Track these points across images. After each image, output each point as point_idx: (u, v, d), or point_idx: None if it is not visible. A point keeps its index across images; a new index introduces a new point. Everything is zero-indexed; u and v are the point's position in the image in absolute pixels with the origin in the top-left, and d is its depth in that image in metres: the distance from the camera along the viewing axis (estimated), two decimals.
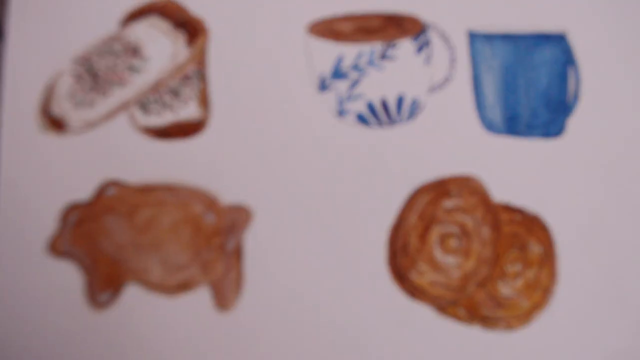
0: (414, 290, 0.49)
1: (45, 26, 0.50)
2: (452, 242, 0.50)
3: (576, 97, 0.53)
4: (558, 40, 0.53)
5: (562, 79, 0.53)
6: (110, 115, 0.48)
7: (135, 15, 0.49)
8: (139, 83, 0.48)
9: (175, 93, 0.48)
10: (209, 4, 0.50)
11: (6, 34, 0.49)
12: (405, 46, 0.50)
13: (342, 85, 0.50)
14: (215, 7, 0.50)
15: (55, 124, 0.48)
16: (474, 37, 0.52)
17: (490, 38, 0.52)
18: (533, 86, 0.52)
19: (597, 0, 0.54)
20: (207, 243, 0.47)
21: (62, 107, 0.47)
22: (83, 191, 0.48)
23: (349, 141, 0.50)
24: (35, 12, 0.50)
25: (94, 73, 0.48)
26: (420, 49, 0.51)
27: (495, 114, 0.52)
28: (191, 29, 0.49)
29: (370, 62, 0.49)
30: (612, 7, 0.54)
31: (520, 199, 0.51)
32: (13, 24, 0.50)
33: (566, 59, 0.53)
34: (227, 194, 0.49)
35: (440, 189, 0.50)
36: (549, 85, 0.52)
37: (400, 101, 0.50)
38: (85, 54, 0.48)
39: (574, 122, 0.53)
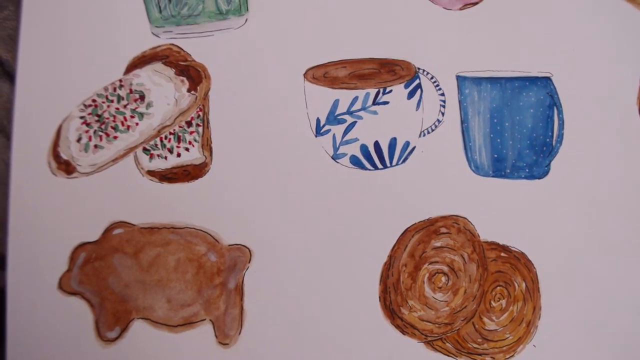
0: (404, 326, 0.54)
1: (54, 71, 0.54)
2: (441, 280, 0.54)
3: (560, 139, 0.57)
4: (543, 84, 0.58)
5: (547, 121, 0.58)
6: (116, 158, 0.52)
7: (140, 61, 0.54)
8: (143, 128, 0.52)
9: (178, 138, 0.53)
10: (211, 51, 0.55)
11: (16, 77, 0.53)
12: (398, 91, 0.55)
13: (337, 130, 0.54)
14: (216, 54, 0.55)
15: (64, 166, 0.52)
16: (462, 81, 0.57)
17: (477, 81, 0.57)
18: (519, 129, 0.57)
19: (581, 44, 0.58)
20: (210, 281, 0.52)
21: (71, 151, 0.52)
22: (91, 231, 0.53)
23: (344, 183, 0.55)
24: (44, 58, 0.54)
25: (101, 118, 0.52)
26: (411, 94, 0.55)
27: (482, 156, 0.57)
28: (194, 75, 0.53)
29: (364, 107, 0.54)
30: (596, 51, 0.58)
31: (506, 237, 0.56)
32: (22, 68, 0.54)
33: (551, 102, 0.57)
34: (229, 235, 0.53)
35: (430, 228, 0.55)
36: (534, 127, 0.57)
37: (392, 145, 0.55)
38: (92, 99, 0.53)
39: (558, 164, 0.57)
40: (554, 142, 0.59)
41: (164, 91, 0.54)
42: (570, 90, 0.59)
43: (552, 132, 0.59)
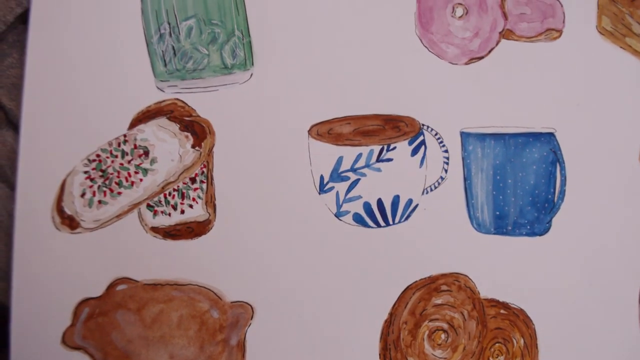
0: None
1: (58, 123, 0.55)
2: (441, 337, 0.55)
3: (562, 195, 0.58)
4: (547, 139, 0.58)
5: (550, 178, 0.58)
6: (120, 214, 0.53)
7: (145, 116, 0.54)
8: (148, 184, 0.53)
9: (182, 194, 0.53)
10: (216, 106, 0.55)
11: (20, 127, 0.53)
12: (402, 148, 0.55)
13: (340, 187, 0.55)
14: (221, 109, 0.55)
15: (68, 221, 0.52)
16: (466, 137, 0.58)
17: (481, 137, 0.58)
18: (521, 185, 0.58)
19: (586, 100, 0.58)
20: (212, 338, 0.53)
21: (75, 206, 0.52)
22: (94, 287, 0.53)
23: (346, 240, 0.56)
24: (48, 108, 0.55)
25: (105, 173, 0.53)
26: (415, 150, 0.56)
27: (485, 213, 0.57)
28: (198, 130, 0.54)
29: (368, 164, 0.55)
30: (600, 107, 0.59)
31: (506, 294, 0.57)
32: (26, 118, 0.54)
33: (554, 158, 0.58)
34: (231, 291, 0.54)
35: (431, 286, 0.56)
36: (536, 184, 0.58)
37: (395, 202, 0.56)
38: (97, 154, 0.53)
39: (559, 221, 0.58)
40: (555, 199, 0.59)
41: (168, 147, 0.54)
42: (573, 146, 0.60)
43: (554, 189, 0.60)
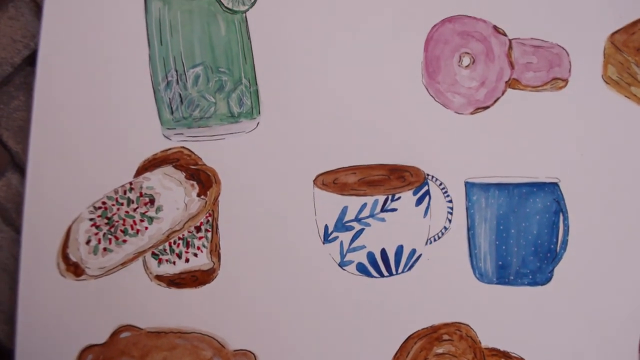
0: None
1: (64, 169, 0.55)
2: None
3: (565, 245, 0.58)
4: (551, 189, 0.59)
5: (553, 227, 0.59)
6: (125, 262, 0.53)
7: (151, 164, 0.54)
8: (153, 232, 0.53)
9: (187, 243, 0.54)
10: (222, 155, 0.56)
11: (26, 171, 0.53)
12: (406, 198, 0.56)
13: (345, 237, 0.55)
14: (227, 157, 0.56)
15: (73, 268, 0.53)
16: (470, 187, 0.58)
17: (486, 187, 0.58)
18: (524, 235, 0.58)
19: (590, 149, 0.59)
20: None
21: (80, 253, 0.53)
22: (98, 334, 0.54)
23: (350, 290, 0.56)
24: (54, 153, 0.55)
25: (111, 221, 0.53)
26: (420, 200, 0.56)
27: (487, 263, 0.58)
28: (204, 179, 0.54)
29: (372, 214, 0.55)
30: (604, 156, 0.59)
31: (507, 343, 0.58)
32: (33, 163, 0.55)
33: (557, 208, 0.58)
34: (235, 340, 0.55)
35: (432, 335, 0.56)
36: (539, 234, 0.58)
37: (399, 252, 0.56)
38: (103, 201, 0.53)
39: (561, 270, 0.58)
40: (558, 249, 0.60)
41: (174, 195, 0.54)
42: (576, 196, 0.60)
43: (557, 238, 0.60)
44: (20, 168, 0.58)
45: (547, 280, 0.60)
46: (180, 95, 0.56)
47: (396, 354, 0.58)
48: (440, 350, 0.58)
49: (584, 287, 0.60)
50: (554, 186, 0.60)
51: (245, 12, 0.57)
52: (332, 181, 0.57)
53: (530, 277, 0.60)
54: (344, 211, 0.56)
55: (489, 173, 0.60)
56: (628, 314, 0.60)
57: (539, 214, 0.60)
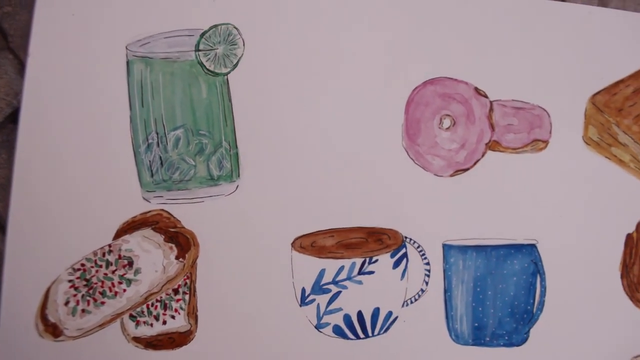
0: None
1: (44, 229, 0.55)
2: None
3: (541, 306, 0.59)
4: (528, 251, 0.59)
5: (530, 289, 0.59)
6: (103, 324, 0.54)
7: (130, 226, 0.55)
8: (131, 294, 0.54)
9: (165, 305, 0.54)
10: (201, 217, 0.56)
11: (7, 229, 0.54)
12: (384, 261, 0.56)
13: (321, 299, 0.56)
14: (206, 220, 0.57)
15: (51, 329, 0.53)
16: (448, 249, 0.59)
17: (463, 250, 0.58)
18: (501, 297, 0.59)
19: (568, 211, 0.59)
20: None
21: (58, 314, 0.53)
22: None
23: (326, 352, 0.57)
24: (35, 213, 0.55)
25: (89, 282, 0.53)
26: (397, 263, 0.57)
27: (463, 325, 0.58)
28: (183, 242, 0.55)
29: (349, 277, 0.55)
30: (582, 217, 0.59)
31: None
32: (13, 222, 0.55)
33: (535, 270, 0.59)
34: None
35: None
36: (516, 295, 0.59)
37: (375, 315, 0.57)
38: (81, 263, 0.54)
39: (537, 331, 0.59)
40: (534, 310, 0.60)
41: (152, 258, 0.55)
42: (554, 256, 0.60)
43: (534, 299, 0.60)
44: (0, 226, 0.58)
45: (523, 341, 0.61)
46: (160, 157, 0.57)
47: None
48: None
49: (560, 347, 0.61)
50: (531, 248, 0.61)
51: (227, 74, 0.58)
52: (310, 244, 0.58)
53: (506, 337, 0.60)
54: (321, 274, 0.57)
55: (467, 235, 0.60)
56: None
57: (516, 276, 0.60)
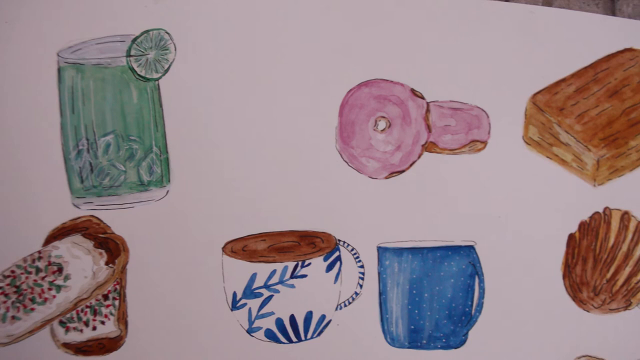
0: None
1: None
2: None
3: (480, 308, 0.58)
4: (466, 252, 0.59)
5: (467, 290, 0.59)
6: (33, 330, 0.54)
7: (60, 233, 0.55)
8: (61, 301, 0.54)
9: (94, 311, 0.54)
10: (131, 223, 0.56)
11: None
12: (317, 264, 0.56)
13: (253, 304, 0.56)
14: (136, 225, 0.56)
15: None
16: (382, 252, 0.58)
17: (399, 252, 0.58)
18: (438, 299, 0.58)
19: (507, 212, 0.59)
20: None
21: None
22: None
23: (258, 357, 0.57)
24: None
25: (19, 289, 0.54)
26: (330, 266, 0.56)
27: (399, 328, 0.58)
28: (112, 248, 0.55)
29: (281, 281, 0.55)
30: (522, 219, 0.59)
31: None
32: None
33: (473, 271, 0.58)
34: None
35: None
36: (453, 297, 0.59)
37: (308, 318, 0.57)
38: (11, 269, 0.54)
39: (476, 333, 0.58)
40: (473, 311, 0.60)
41: (82, 264, 0.55)
42: (493, 258, 0.60)
43: (472, 301, 0.60)
44: None
45: (462, 343, 0.60)
46: (90, 164, 0.57)
47: None
48: None
49: (500, 350, 0.60)
50: (469, 249, 0.60)
51: (157, 79, 0.58)
52: (241, 248, 0.58)
53: (444, 340, 0.60)
54: (252, 278, 0.57)
55: (403, 237, 0.60)
56: None
57: (453, 278, 0.60)
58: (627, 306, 0.62)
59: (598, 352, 0.61)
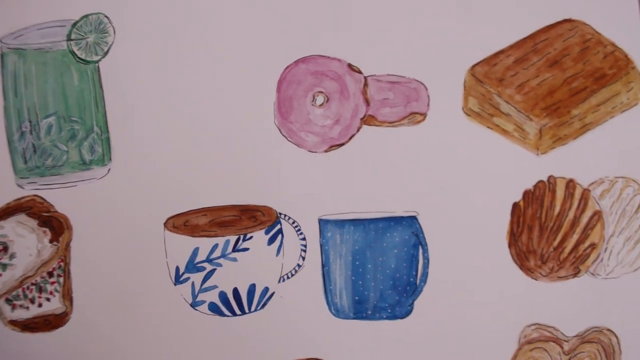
0: None
1: None
2: None
3: (425, 278, 0.59)
4: (409, 223, 0.59)
5: (412, 261, 0.59)
6: None
7: (4, 213, 0.56)
8: (6, 279, 0.55)
9: (40, 288, 0.55)
10: (74, 201, 0.57)
11: None
12: (258, 237, 0.57)
13: (196, 278, 0.56)
14: (79, 204, 0.58)
15: None
16: (324, 224, 0.59)
17: (340, 224, 0.59)
18: (382, 270, 0.59)
19: (450, 182, 0.59)
20: None
21: None
22: None
23: (202, 330, 0.57)
24: None
25: None
26: (272, 239, 0.57)
27: (343, 299, 0.59)
28: (56, 226, 0.56)
29: (224, 255, 0.56)
30: (465, 188, 0.59)
31: None
32: None
33: (416, 241, 0.59)
34: None
35: None
36: (397, 268, 0.59)
37: (251, 291, 0.57)
38: None
39: (422, 303, 0.59)
40: (418, 282, 0.60)
41: (27, 242, 0.56)
42: (436, 228, 0.60)
43: (417, 272, 0.60)
44: None
45: (407, 313, 0.61)
46: (33, 145, 0.58)
47: None
48: None
49: (448, 319, 0.60)
50: (412, 220, 0.61)
51: (97, 62, 0.59)
52: (182, 223, 0.59)
53: (389, 310, 0.60)
54: (195, 252, 0.58)
55: (346, 210, 0.61)
56: (492, 344, 0.60)
57: (396, 248, 0.60)
58: (576, 273, 0.62)
59: (549, 320, 0.61)
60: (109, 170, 0.60)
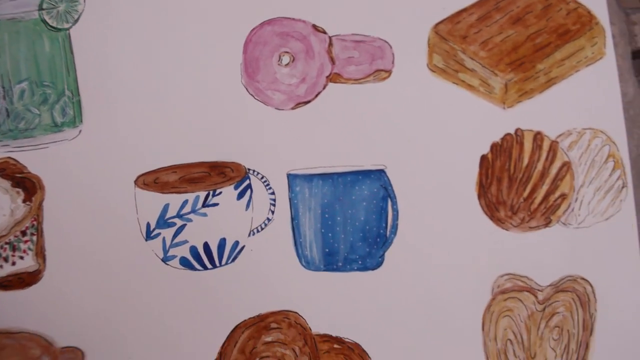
0: None
1: None
2: None
3: (395, 230, 0.59)
4: (377, 176, 0.60)
5: (381, 213, 0.60)
6: None
7: None
8: None
9: (13, 247, 0.57)
10: (46, 162, 0.59)
11: None
12: (227, 193, 0.58)
13: (167, 233, 0.57)
14: (51, 164, 0.59)
15: None
16: (292, 179, 0.60)
17: (309, 178, 0.60)
18: (351, 222, 0.59)
19: (417, 136, 0.60)
20: None
21: None
22: None
23: (174, 284, 0.58)
24: None
25: None
26: (241, 194, 0.58)
27: (313, 251, 0.59)
28: (29, 186, 0.58)
29: (194, 210, 0.57)
30: (432, 142, 0.60)
31: (340, 329, 0.58)
32: None
33: (385, 194, 0.60)
34: (62, 338, 0.57)
35: (260, 324, 0.58)
36: (367, 220, 0.60)
37: (221, 245, 0.58)
38: None
39: (392, 254, 0.59)
40: (388, 233, 0.61)
41: (0, 203, 0.57)
42: (405, 181, 0.61)
43: (386, 224, 0.61)
44: None
45: (378, 264, 0.61)
46: (7, 109, 0.60)
47: (224, 344, 0.59)
48: (269, 339, 0.59)
49: (419, 270, 0.61)
50: (380, 173, 0.62)
51: (68, 29, 0.61)
52: (152, 180, 0.60)
53: (360, 262, 0.61)
54: (165, 208, 0.59)
55: (314, 165, 0.62)
56: (463, 294, 0.60)
57: (365, 201, 0.61)
58: (548, 224, 0.63)
59: (521, 270, 0.62)
60: (80, 131, 0.61)
